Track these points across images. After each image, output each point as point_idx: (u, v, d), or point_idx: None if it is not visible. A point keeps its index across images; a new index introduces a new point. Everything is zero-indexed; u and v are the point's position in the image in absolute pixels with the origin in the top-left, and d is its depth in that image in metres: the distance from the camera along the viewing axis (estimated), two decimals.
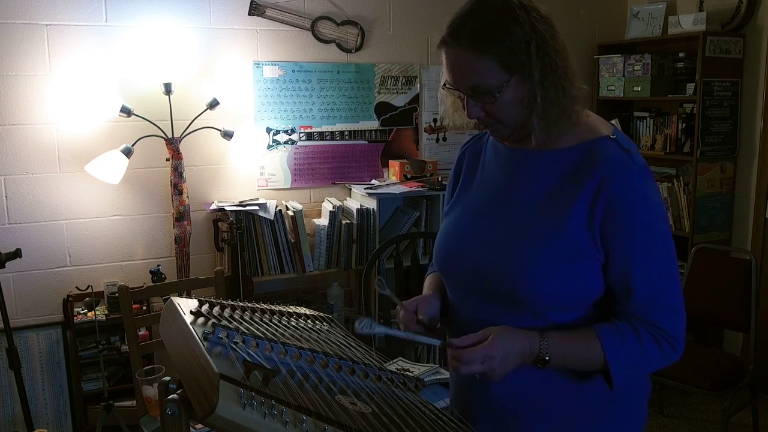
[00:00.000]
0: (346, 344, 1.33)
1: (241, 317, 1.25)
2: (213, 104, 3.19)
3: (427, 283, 1.45)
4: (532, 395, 1.23)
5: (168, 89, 3.06)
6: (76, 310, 3.06)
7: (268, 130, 3.49)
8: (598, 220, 1.15)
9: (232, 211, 3.14)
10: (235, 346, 1.06)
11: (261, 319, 1.29)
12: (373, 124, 3.72)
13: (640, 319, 1.17)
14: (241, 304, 1.32)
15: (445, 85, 1.23)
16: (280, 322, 1.32)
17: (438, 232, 1.38)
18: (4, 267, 2.60)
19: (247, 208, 3.19)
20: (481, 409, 1.29)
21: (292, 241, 3.32)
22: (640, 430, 1.31)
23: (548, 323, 1.19)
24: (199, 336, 1.06)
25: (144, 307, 3.12)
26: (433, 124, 3.87)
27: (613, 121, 4.06)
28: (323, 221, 3.41)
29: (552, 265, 1.16)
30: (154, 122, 3.08)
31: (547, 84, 1.14)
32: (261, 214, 3.21)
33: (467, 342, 1.15)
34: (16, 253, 2.64)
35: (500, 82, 1.14)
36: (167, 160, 3.15)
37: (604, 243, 1.16)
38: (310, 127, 3.58)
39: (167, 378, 1.02)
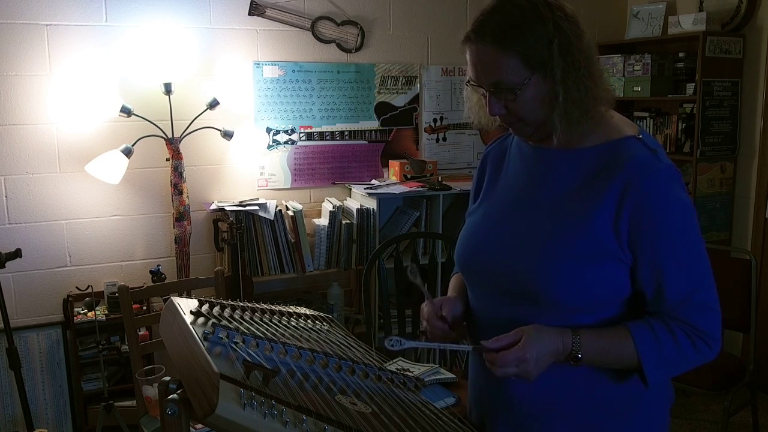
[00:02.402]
0: (346, 344, 1.33)
1: (241, 317, 1.25)
2: (213, 104, 3.19)
3: (452, 284, 1.45)
4: (552, 398, 1.22)
5: (168, 89, 3.06)
6: (76, 310, 3.06)
7: (268, 130, 3.49)
8: (626, 222, 1.14)
9: (232, 211, 3.14)
10: (235, 346, 1.06)
11: (261, 319, 1.29)
12: (373, 124, 3.72)
13: (674, 318, 1.16)
14: (241, 304, 1.32)
15: (469, 81, 1.23)
16: (280, 322, 1.32)
17: (460, 233, 1.37)
18: (4, 267, 2.60)
19: (247, 208, 3.19)
20: (500, 410, 1.29)
21: (292, 241, 3.32)
22: None
23: (573, 325, 1.18)
24: (199, 336, 1.06)
25: (144, 307, 3.12)
26: (433, 124, 3.87)
27: None
28: (323, 221, 3.41)
29: (574, 266, 1.15)
30: (154, 122, 3.08)
31: (569, 83, 1.14)
32: (261, 214, 3.21)
33: (499, 344, 1.14)
34: (16, 253, 2.64)
35: (522, 79, 1.14)
36: (167, 160, 3.15)
37: (632, 245, 1.15)
38: (310, 127, 3.58)
39: (167, 378, 1.02)
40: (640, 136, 1.20)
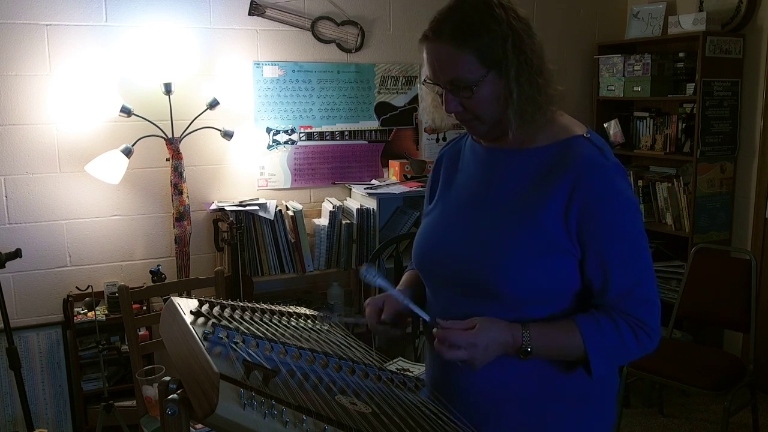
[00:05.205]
0: (346, 344, 1.33)
1: (241, 317, 1.25)
2: (213, 104, 3.19)
3: (404, 278, 1.49)
4: (504, 389, 1.25)
5: (168, 89, 3.06)
6: (76, 310, 3.06)
7: (268, 130, 3.49)
8: (575, 217, 1.18)
9: (232, 211, 3.14)
10: (235, 346, 1.06)
11: (261, 319, 1.29)
12: (373, 124, 3.72)
13: (617, 310, 1.20)
14: (241, 304, 1.32)
15: (425, 80, 1.27)
16: (280, 322, 1.32)
17: (417, 233, 1.41)
18: (4, 267, 2.60)
19: (247, 208, 3.19)
20: (454, 400, 1.29)
21: (292, 241, 3.32)
22: (610, 425, 1.35)
23: (526, 317, 1.21)
24: (199, 336, 1.06)
25: (144, 307, 3.12)
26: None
27: (612, 121, 4.07)
28: (323, 221, 3.41)
29: (527, 259, 1.19)
30: (154, 122, 3.08)
31: (523, 81, 1.18)
32: (261, 214, 3.21)
33: (454, 326, 1.17)
34: (16, 253, 2.64)
35: (478, 76, 1.18)
36: (167, 160, 3.15)
37: (581, 239, 1.19)
38: (310, 127, 3.58)
39: (167, 378, 1.02)
40: (588, 135, 1.25)
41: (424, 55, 1.24)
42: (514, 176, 1.26)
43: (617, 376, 1.37)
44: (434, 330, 1.18)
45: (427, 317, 1.28)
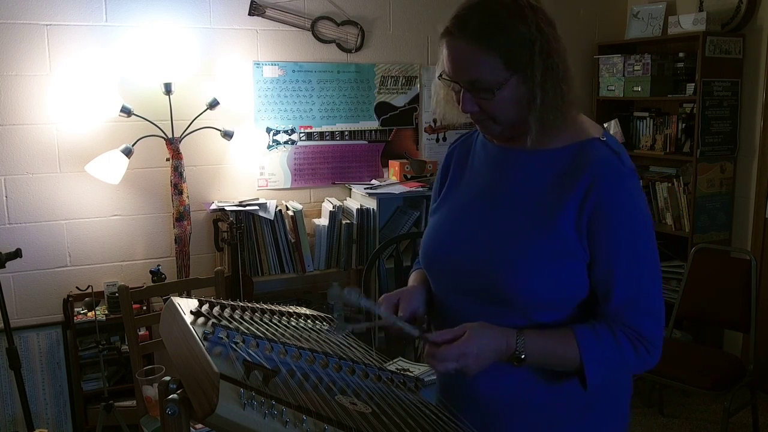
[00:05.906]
0: (346, 344, 1.33)
1: (241, 317, 1.25)
2: (213, 104, 3.19)
3: (412, 277, 1.44)
4: (518, 393, 1.23)
5: (168, 89, 3.06)
6: (76, 310, 3.06)
7: (268, 130, 3.49)
8: (586, 220, 1.15)
9: (232, 211, 3.14)
10: (235, 346, 1.06)
11: (261, 319, 1.29)
12: (373, 124, 3.72)
13: (618, 321, 1.16)
14: (241, 304, 1.32)
15: (441, 75, 1.22)
16: (280, 322, 1.32)
17: (425, 230, 1.37)
18: (4, 267, 2.60)
19: (247, 208, 3.19)
20: (466, 408, 1.29)
21: (292, 241, 3.32)
22: (622, 430, 1.32)
23: (533, 323, 1.19)
24: (199, 336, 1.06)
25: (144, 307, 3.12)
26: (433, 124, 3.87)
27: (612, 121, 4.07)
28: (323, 221, 3.41)
29: (540, 264, 1.16)
30: (154, 122, 3.08)
31: (548, 86, 1.14)
32: (261, 214, 3.21)
33: (442, 338, 1.14)
34: (16, 253, 2.64)
35: (501, 79, 1.14)
36: (167, 160, 3.15)
37: (591, 241, 1.16)
38: (310, 127, 3.58)
39: (167, 378, 1.02)
40: (604, 138, 1.21)
41: (444, 51, 1.18)
42: (528, 178, 1.22)
43: (629, 381, 1.33)
44: (424, 346, 1.15)
45: (415, 332, 1.22)
